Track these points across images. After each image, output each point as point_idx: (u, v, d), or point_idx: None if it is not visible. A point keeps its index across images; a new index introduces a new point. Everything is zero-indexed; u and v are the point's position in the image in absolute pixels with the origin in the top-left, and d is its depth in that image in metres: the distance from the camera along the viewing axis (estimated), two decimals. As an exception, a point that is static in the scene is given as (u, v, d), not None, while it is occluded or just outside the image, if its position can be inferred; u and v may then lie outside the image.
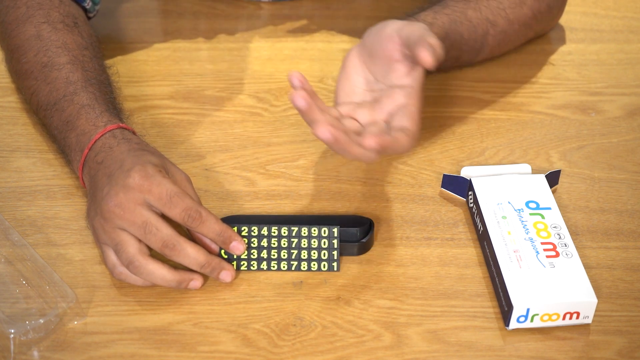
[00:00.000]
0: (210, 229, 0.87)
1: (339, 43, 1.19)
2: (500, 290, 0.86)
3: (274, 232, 0.90)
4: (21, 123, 1.05)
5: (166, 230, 0.85)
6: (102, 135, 0.91)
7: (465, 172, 0.97)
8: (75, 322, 0.84)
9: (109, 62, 1.11)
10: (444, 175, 0.97)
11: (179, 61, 1.15)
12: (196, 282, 0.87)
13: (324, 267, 0.90)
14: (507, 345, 0.84)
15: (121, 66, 1.12)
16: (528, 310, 0.84)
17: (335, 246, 0.89)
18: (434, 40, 0.88)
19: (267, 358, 0.82)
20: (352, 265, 0.91)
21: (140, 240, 0.85)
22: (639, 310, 0.87)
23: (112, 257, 0.87)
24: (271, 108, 1.08)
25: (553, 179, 0.98)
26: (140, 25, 1.21)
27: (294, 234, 0.90)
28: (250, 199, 0.97)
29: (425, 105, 1.08)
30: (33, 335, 0.82)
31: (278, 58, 1.16)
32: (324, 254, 0.90)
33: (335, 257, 0.90)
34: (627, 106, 1.10)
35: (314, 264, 0.90)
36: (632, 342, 0.85)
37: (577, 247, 0.90)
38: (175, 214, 0.85)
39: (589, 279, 0.86)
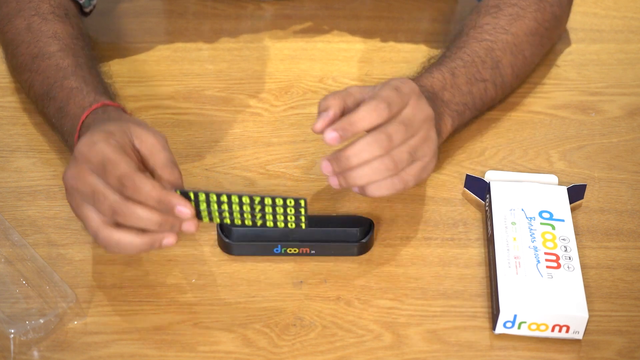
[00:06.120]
0: (148, 196, 0.79)
1: (339, 43, 1.19)
2: (493, 294, 0.86)
3: (235, 200, 0.82)
4: (21, 123, 1.05)
5: (112, 196, 0.79)
6: (87, 116, 0.90)
7: (488, 176, 0.97)
8: (75, 322, 0.84)
9: (109, 62, 1.11)
10: (467, 175, 0.97)
11: (180, 61, 1.15)
12: (169, 238, 0.81)
13: (291, 220, 0.83)
14: (507, 344, 0.84)
15: (121, 66, 1.12)
16: (515, 316, 0.83)
17: (303, 220, 0.84)
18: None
19: (267, 358, 0.83)
20: (352, 265, 0.90)
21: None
22: (639, 310, 0.87)
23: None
24: (271, 108, 1.08)
25: (578, 192, 0.97)
26: (141, 25, 1.21)
27: (257, 202, 0.82)
28: (250, 199, 0.97)
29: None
30: (33, 335, 0.82)
31: (278, 58, 1.16)
32: (291, 219, 0.84)
33: (303, 221, 0.84)
34: (627, 106, 1.10)
35: (280, 217, 0.83)
36: (632, 342, 0.85)
37: (577, 248, 0.90)
38: (111, 182, 0.80)
39: (589, 279, 0.86)
